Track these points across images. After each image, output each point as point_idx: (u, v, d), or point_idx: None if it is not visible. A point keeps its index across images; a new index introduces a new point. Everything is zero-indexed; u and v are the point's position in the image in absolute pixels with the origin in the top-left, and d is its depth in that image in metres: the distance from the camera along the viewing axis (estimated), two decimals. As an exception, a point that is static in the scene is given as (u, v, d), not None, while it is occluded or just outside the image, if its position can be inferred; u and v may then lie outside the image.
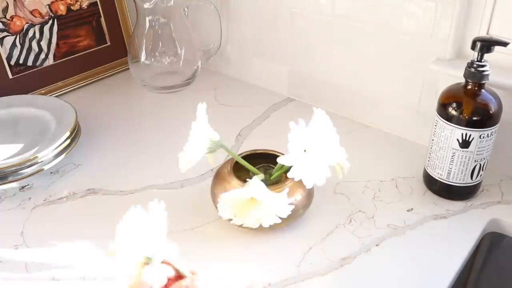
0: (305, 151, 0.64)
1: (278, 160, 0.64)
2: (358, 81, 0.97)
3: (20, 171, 0.81)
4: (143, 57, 1.10)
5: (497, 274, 0.83)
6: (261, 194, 0.63)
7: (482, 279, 0.83)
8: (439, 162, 0.76)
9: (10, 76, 1.05)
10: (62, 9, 1.10)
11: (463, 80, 0.73)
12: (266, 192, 0.64)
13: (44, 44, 1.09)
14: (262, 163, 0.74)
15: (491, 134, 0.72)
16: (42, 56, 1.09)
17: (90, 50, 1.16)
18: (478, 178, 0.76)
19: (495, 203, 0.78)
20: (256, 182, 0.65)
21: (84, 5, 1.14)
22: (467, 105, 0.72)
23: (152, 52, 1.11)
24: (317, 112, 0.65)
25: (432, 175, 0.78)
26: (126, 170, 0.87)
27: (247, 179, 0.67)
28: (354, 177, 0.78)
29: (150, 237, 0.50)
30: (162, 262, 0.50)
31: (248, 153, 0.75)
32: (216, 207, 0.72)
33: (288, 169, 0.64)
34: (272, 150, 0.75)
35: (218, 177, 0.72)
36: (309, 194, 0.71)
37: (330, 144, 0.65)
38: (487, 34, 0.80)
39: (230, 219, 0.67)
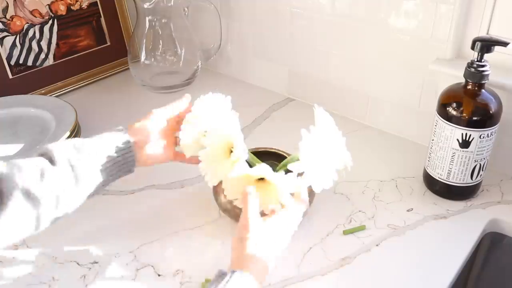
0: (315, 156, 0.64)
1: (289, 167, 0.64)
2: (358, 81, 0.97)
3: (20, 171, 0.80)
4: (143, 57, 1.10)
5: (497, 274, 0.83)
6: (271, 174, 0.63)
7: (482, 279, 0.83)
8: (439, 162, 0.76)
9: (10, 76, 1.05)
10: (62, 9, 1.10)
11: (463, 80, 0.73)
12: (275, 173, 0.64)
13: (44, 44, 1.09)
14: (264, 161, 0.74)
15: (491, 134, 0.72)
16: (42, 56, 1.09)
17: (90, 50, 1.16)
18: (478, 178, 0.76)
19: (495, 203, 0.78)
20: (265, 165, 0.64)
21: (84, 5, 1.14)
22: (467, 105, 0.72)
23: (152, 52, 1.11)
24: (318, 111, 0.65)
25: (432, 175, 0.78)
26: (126, 170, 0.87)
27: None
28: (354, 177, 0.78)
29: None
30: None
31: (251, 151, 0.75)
32: (218, 205, 0.72)
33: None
34: (274, 149, 0.75)
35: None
36: (311, 192, 0.71)
37: (337, 148, 0.65)
38: (487, 34, 0.80)
39: (235, 199, 0.65)
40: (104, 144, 0.61)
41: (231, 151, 0.64)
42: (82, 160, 0.58)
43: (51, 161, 0.56)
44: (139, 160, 0.65)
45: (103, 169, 0.60)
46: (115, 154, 0.61)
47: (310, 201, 0.72)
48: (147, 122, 0.66)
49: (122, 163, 0.63)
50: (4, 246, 0.53)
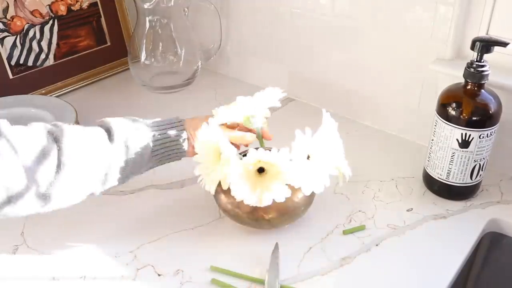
0: (308, 157, 0.64)
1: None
2: (358, 81, 0.97)
3: (20, 171, 0.80)
4: (143, 57, 1.11)
5: (496, 274, 0.83)
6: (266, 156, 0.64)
7: (482, 278, 0.83)
8: (438, 162, 0.76)
9: (11, 76, 1.05)
10: (62, 9, 1.10)
11: (462, 80, 0.73)
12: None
13: (44, 44, 1.09)
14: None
15: (491, 134, 0.72)
16: (43, 56, 1.09)
17: (90, 50, 1.16)
18: (478, 178, 0.76)
19: (494, 203, 0.78)
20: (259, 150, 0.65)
21: (85, 5, 1.14)
22: (467, 105, 0.72)
23: (152, 52, 1.11)
24: (325, 116, 0.65)
25: (432, 175, 0.78)
26: (126, 170, 0.87)
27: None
28: (354, 177, 0.78)
29: None
30: None
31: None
32: (218, 205, 0.72)
33: None
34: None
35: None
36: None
37: (333, 153, 0.66)
38: (487, 34, 0.80)
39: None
40: (162, 133, 0.68)
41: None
42: (137, 143, 0.65)
43: (110, 138, 0.63)
44: (188, 152, 0.71)
45: (154, 156, 0.68)
46: (170, 145, 0.69)
47: (310, 201, 0.72)
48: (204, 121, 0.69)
49: (174, 153, 0.70)
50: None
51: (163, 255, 0.69)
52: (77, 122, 0.91)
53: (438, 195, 0.79)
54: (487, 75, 0.70)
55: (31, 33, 1.06)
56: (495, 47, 0.68)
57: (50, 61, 1.11)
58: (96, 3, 1.15)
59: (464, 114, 0.71)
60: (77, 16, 1.13)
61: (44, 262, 0.68)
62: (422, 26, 0.84)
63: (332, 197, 0.79)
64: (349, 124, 0.99)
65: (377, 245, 0.70)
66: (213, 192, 0.68)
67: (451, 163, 0.74)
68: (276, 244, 0.68)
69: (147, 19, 1.07)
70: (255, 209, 0.67)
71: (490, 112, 0.71)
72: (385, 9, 0.87)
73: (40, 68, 1.09)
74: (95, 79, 1.17)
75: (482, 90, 0.72)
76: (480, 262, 0.81)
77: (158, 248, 0.70)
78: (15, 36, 1.04)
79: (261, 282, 0.64)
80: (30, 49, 1.07)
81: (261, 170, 0.65)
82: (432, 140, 0.76)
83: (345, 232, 0.72)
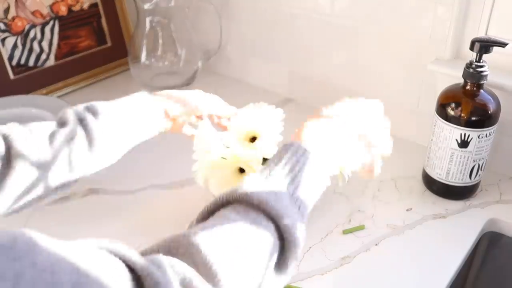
0: None
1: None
2: (358, 81, 0.97)
3: (21, 171, 0.81)
4: (143, 58, 1.11)
5: (495, 273, 0.83)
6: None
7: (481, 278, 0.84)
8: (438, 162, 0.76)
9: (12, 77, 1.05)
10: (63, 10, 1.11)
11: (462, 81, 0.73)
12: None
13: (45, 44, 1.09)
14: (264, 162, 0.75)
15: (490, 134, 0.72)
16: (43, 56, 1.09)
17: (91, 51, 1.17)
18: (477, 178, 0.76)
19: (493, 203, 0.78)
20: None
21: (85, 6, 1.14)
22: (466, 105, 0.72)
23: (153, 53, 1.11)
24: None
25: (431, 175, 0.78)
26: (126, 170, 0.87)
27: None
28: (353, 177, 0.78)
29: None
30: None
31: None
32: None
33: None
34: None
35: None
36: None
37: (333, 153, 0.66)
38: (486, 34, 0.80)
39: None
40: (125, 105, 0.61)
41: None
42: (97, 120, 0.58)
43: (63, 123, 0.57)
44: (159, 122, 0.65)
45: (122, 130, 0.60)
46: (137, 115, 0.61)
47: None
48: (179, 94, 0.67)
49: (144, 124, 0.63)
50: (10, 210, 0.54)
51: (164, 254, 0.70)
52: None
53: (437, 195, 0.79)
54: (486, 75, 0.70)
55: (32, 34, 1.07)
56: (494, 47, 0.69)
57: (51, 62, 1.11)
58: (96, 3, 1.16)
59: (463, 114, 0.72)
60: (77, 17, 1.13)
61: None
62: (421, 26, 0.84)
63: (332, 197, 0.80)
64: (348, 124, 0.99)
65: (376, 244, 0.71)
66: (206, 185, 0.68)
67: (450, 163, 0.75)
68: None
69: (147, 19, 1.08)
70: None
71: (489, 112, 0.71)
72: (384, 9, 0.87)
73: (41, 68, 1.09)
74: (96, 79, 1.18)
75: (481, 90, 0.72)
76: (479, 262, 0.81)
77: (158, 247, 0.71)
78: (16, 37, 1.04)
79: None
80: (31, 50, 1.07)
81: (242, 170, 0.66)
82: (432, 140, 0.77)
83: (345, 232, 0.73)
